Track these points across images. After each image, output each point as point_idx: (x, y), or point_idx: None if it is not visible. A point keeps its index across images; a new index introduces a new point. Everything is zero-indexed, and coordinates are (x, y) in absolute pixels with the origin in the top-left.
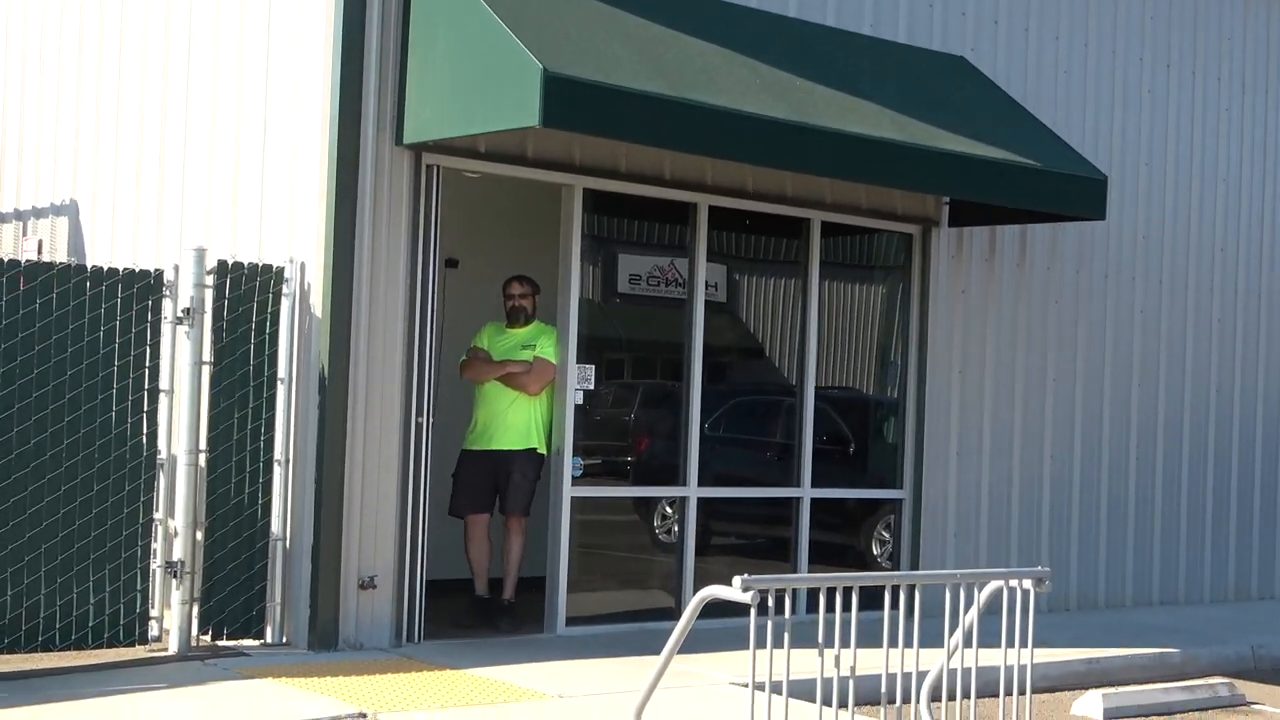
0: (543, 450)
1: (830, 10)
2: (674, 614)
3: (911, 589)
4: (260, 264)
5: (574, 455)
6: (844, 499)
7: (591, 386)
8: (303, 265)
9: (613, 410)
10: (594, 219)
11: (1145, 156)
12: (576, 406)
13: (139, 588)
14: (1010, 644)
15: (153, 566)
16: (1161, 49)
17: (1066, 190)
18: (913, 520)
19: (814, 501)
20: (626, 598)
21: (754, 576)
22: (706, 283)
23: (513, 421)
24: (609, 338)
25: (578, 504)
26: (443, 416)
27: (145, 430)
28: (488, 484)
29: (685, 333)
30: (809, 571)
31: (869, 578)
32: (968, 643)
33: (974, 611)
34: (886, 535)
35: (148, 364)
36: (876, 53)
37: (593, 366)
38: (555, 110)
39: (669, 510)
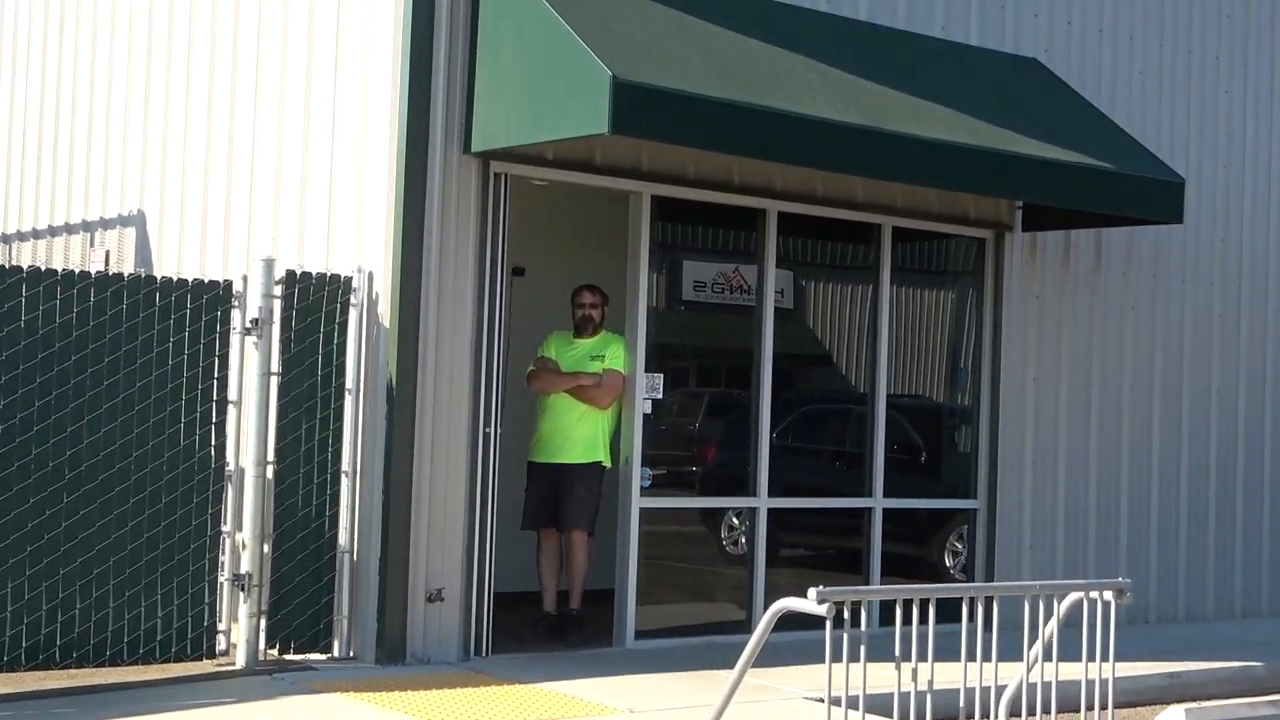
0: (607, 463)
1: (900, 13)
2: (744, 627)
3: (989, 601)
4: (328, 274)
5: (642, 465)
6: (916, 509)
7: (660, 396)
8: (370, 275)
9: (678, 419)
10: (661, 226)
11: (1223, 158)
12: (645, 416)
13: (206, 600)
14: (1090, 657)
15: (220, 579)
16: (1239, 49)
17: (1143, 193)
18: (987, 531)
19: (886, 512)
20: (696, 610)
21: (830, 588)
22: (775, 290)
23: (580, 435)
24: (674, 345)
25: (646, 515)
26: (510, 426)
27: (213, 442)
28: (553, 496)
29: (754, 339)
30: (880, 583)
31: (947, 589)
32: (1047, 656)
33: (1053, 623)
34: (960, 546)
35: (216, 375)
36: (948, 55)
37: (661, 376)
38: (624, 117)
39: (736, 521)
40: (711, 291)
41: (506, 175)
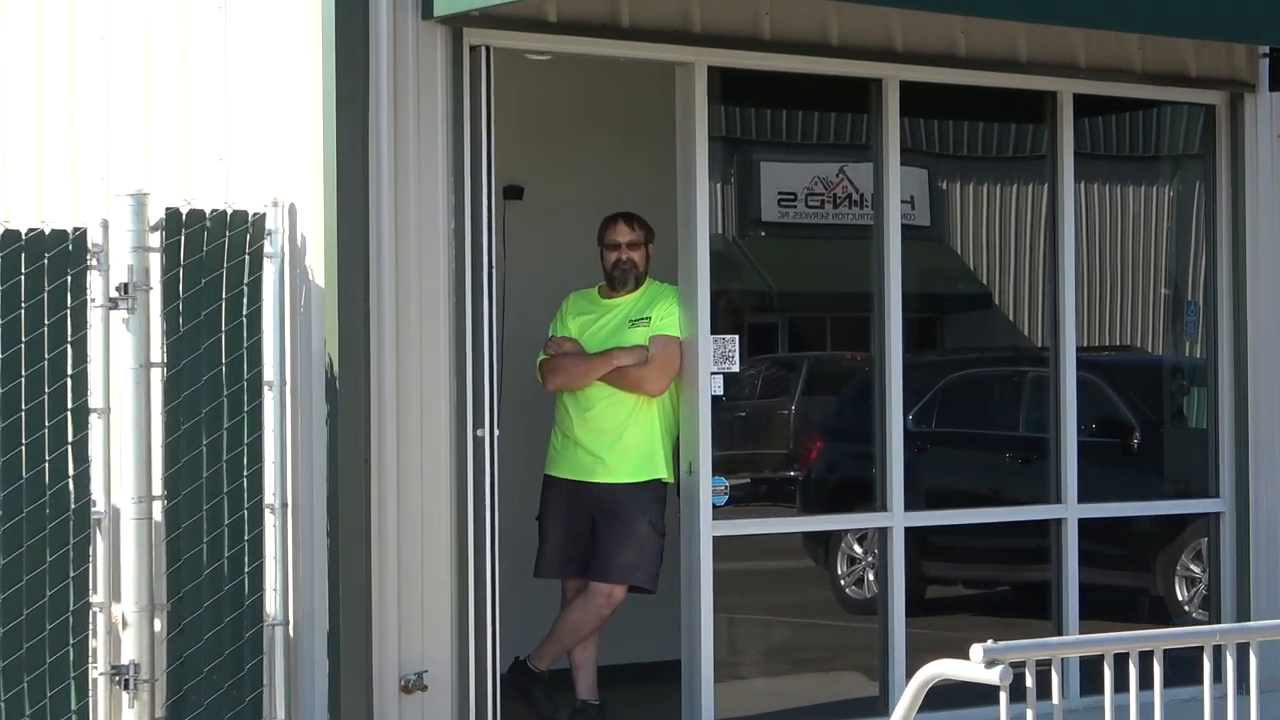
0: (669, 477)
1: None
2: (880, 707)
3: (1244, 650)
4: (229, 211)
5: (714, 474)
6: (1129, 518)
7: (736, 368)
8: (292, 208)
9: (764, 402)
10: (725, 112)
11: None
12: (714, 399)
13: (74, 707)
14: None
15: (93, 674)
16: None
17: None
18: (1238, 544)
19: (1084, 524)
20: (804, 686)
21: (1001, 644)
22: (902, 199)
23: (630, 443)
24: (753, 292)
25: (723, 546)
26: (511, 425)
27: (71, 471)
28: (589, 532)
29: (873, 276)
30: (1081, 631)
31: (1181, 634)
32: None
33: None
34: (1198, 570)
35: (70, 371)
36: None
37: (735, 339)
38: None
39: (859, 550)
40: (806, 207)
41: (488, 49)
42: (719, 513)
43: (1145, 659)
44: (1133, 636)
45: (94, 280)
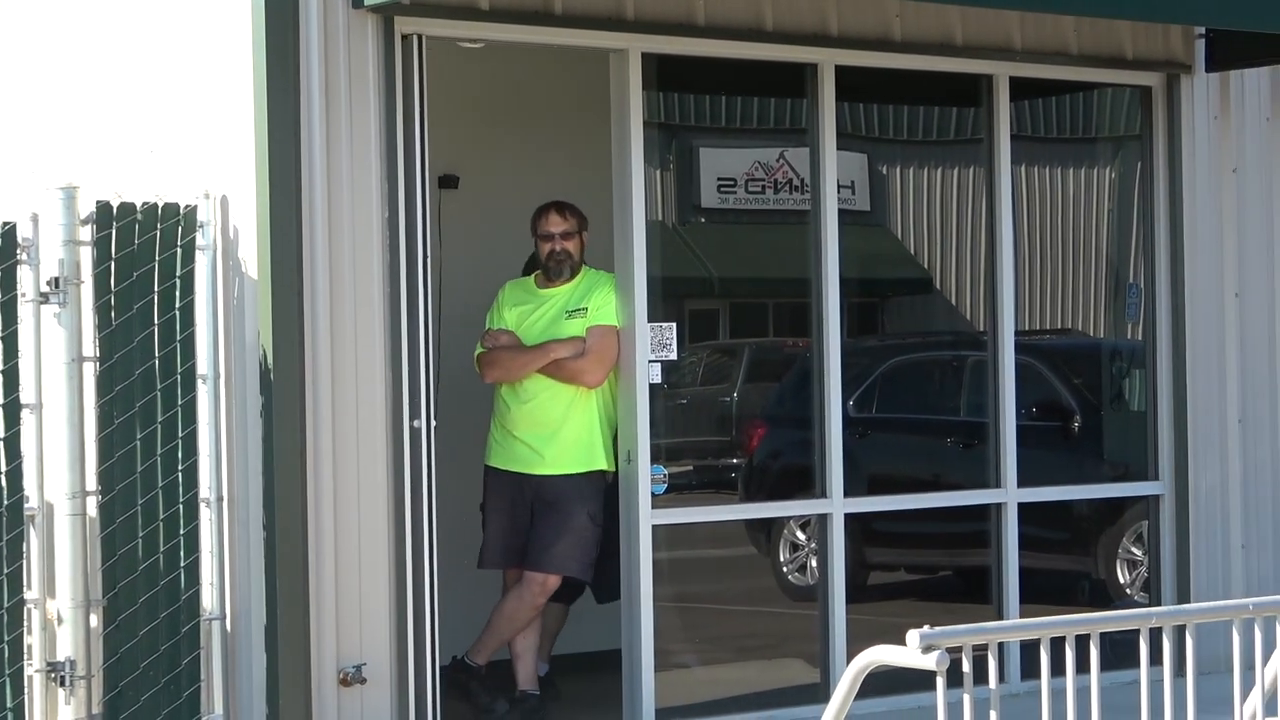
0: (610, 467)
1: None
2: (820, 693)
3: (1181, 632)
4: (160, 204)
5: (653, 463)
6: (1069, 501)
7: (674, 355)
8: (224, 200)
9: (704, 389)
10: (661, 98)
11: None
12: (652, 387)
13: (9, 704)
14: None
15: (29, 671)
16: None
17: None
18: (1177, 527)
19: (1024, 509)
20: (745, 674)
21: (937, 630)
22: (840, 183)
23: (569, 434)
24: (692, 279)
25: (664, 536)
26: (450, 414)
27: (3, 466)
28: (528, 523)
29: (811, 261)
30: (1021, 616)
31: (1117, 618)
32: (1269, 710)
33: (1277, 661)
34: (1139, 553)
35: (1, 366)
36: None
37: (674, 326)
38: None
39: (801, 537)
40: (746, 192)
41: (420, 37)
42: (658, 501)
43: (1082, 643)
44: (1069, 620)
45: (24, 275)
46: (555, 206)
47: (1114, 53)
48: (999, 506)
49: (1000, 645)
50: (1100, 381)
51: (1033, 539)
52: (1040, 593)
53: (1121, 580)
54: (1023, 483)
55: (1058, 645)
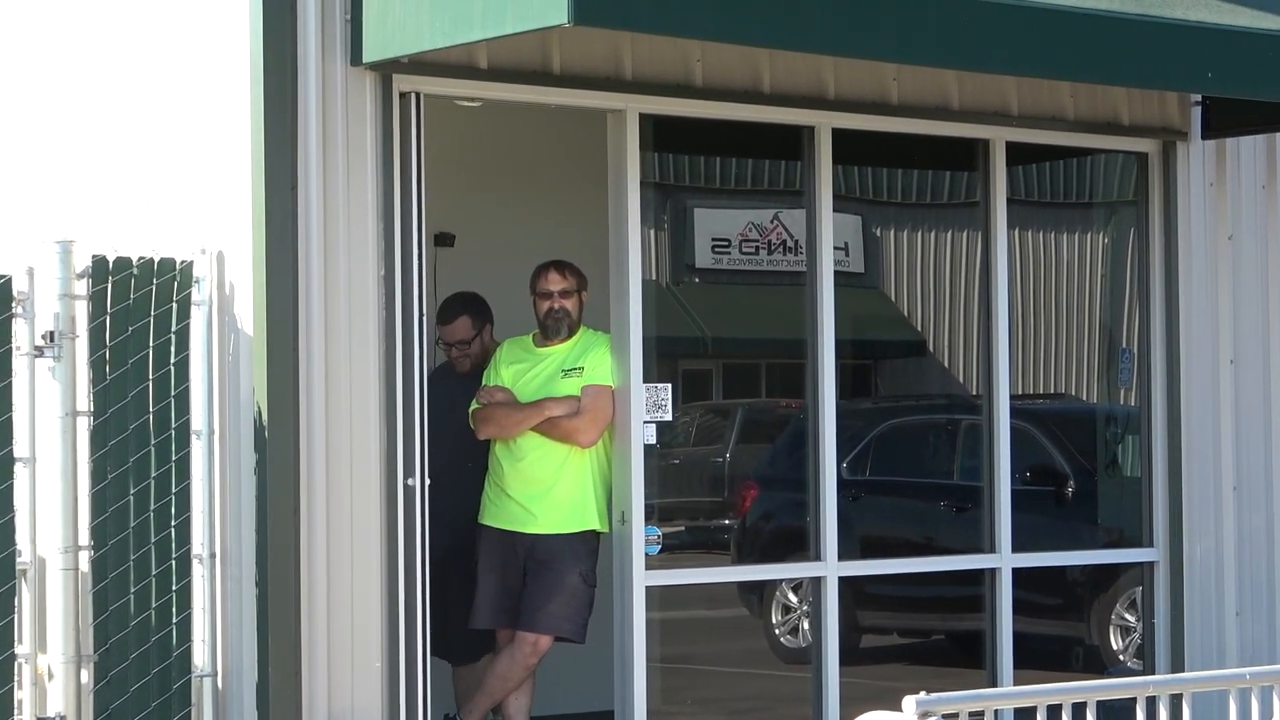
0: (603, 527)
1: None
2: None
3: (1178, 701)
4: (156, 259)
5: (647, 524)
6: (1064, 567)
7: (669, 416)
8: (220, 256)
9: (698, 449)
10: (658, 159)
11: None
12: (646, 447)
13: None
14: None
15: None
16: None
17: None
18: (1171, 594)
19: (1018, 574)
20: None
21: (934, 696)
22: (835, 245)
23: (562, 493)
24: (687, 339)
25: (657, 597)
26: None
27: None
28: (520, 582)
29: (807, 323)
30: (1017, 680)
31: (1114, 686)
32: None
33: None
34: (1132, 619)
35: None
36: None
37: (669, 386)
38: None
39: (793, 599)
40: (740, 253)
41: (418, 95)
42: (652, 562)
43: (1079, 710)
44: (1066, 688)
45: (19, 328)
46: (555, 265)
47: (1110, 118)
48: (993, 571)
49: (996, 712)
50: (1095, 447)
51: (1026, 604)
52: (1033, 658)
53: (1115, 646)
54: (1017, 548)
55: (1053, 712)
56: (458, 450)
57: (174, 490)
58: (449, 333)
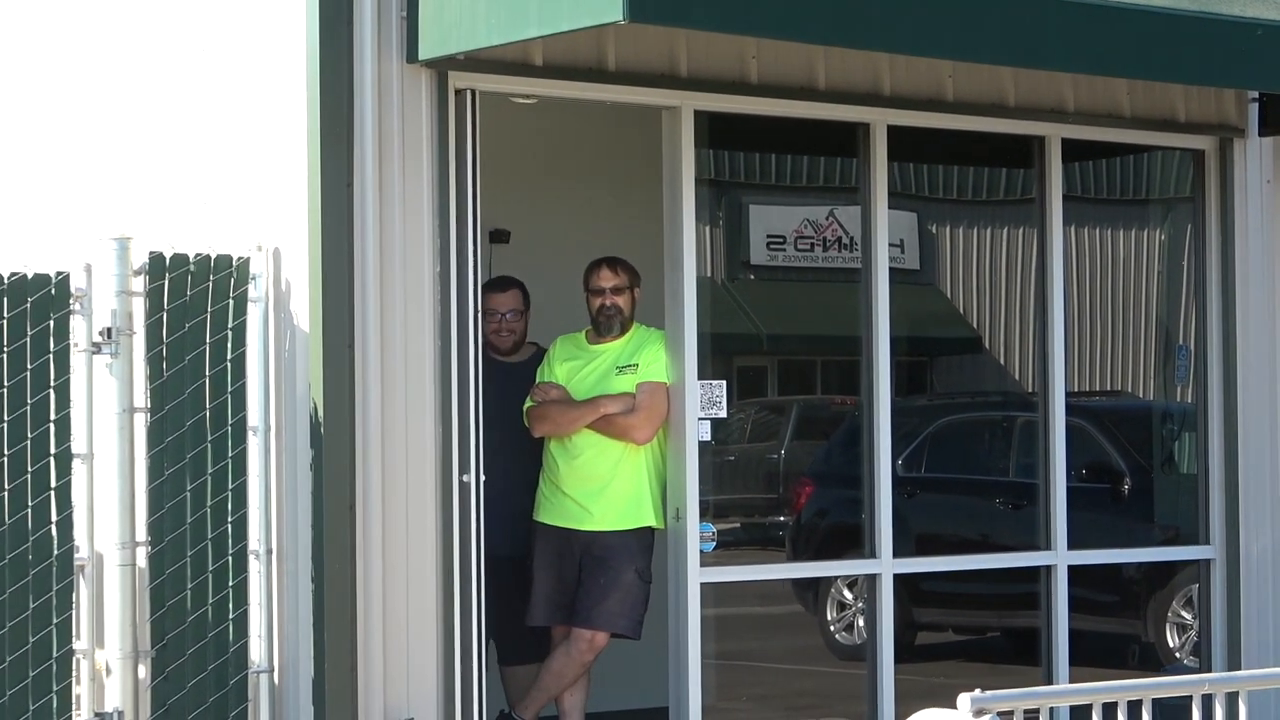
0: (659, 523)
1: None
2: None
3: (1234, 699)
4: (213, 256)
5: (701, 520)
6: (1119, 564)
7: (723, 413)
8: (276, 253)
9: (753, 446)
10: (713, 155)
11: None
12: (701, 444)
13: None
14: None
15: None
16: None
17: None
18: (1228, 592)
19: (1073, 571)
20: None
21: (989, 693)
22: (891, 242)
23: (618, 490)
24: (741, 336)
25: (711, 594)
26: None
27: (54, 516)
28: (575, 578)
29: (862, 320)
30: (1071, 677)
31: (1170, 684)
32: None
33: None
34: (1189, 617)
35: (53, 417)
36: None
37: (723, 384)
38: None
39: (848, 596)
40: (795, 250)
41: (473, 92)
42: (706, 559)
43: (1134, 708)
44: (1121, 686)
45: (77, 325)
46: (607, 262)
47: (1167, 116)
48: (1049, 568)
49: (1052, 710)
50: (1151, 444)
51: (1081, 601)
52: (1088, 655)
53: (1171, 644)
54: (1073, 545)
55: (1109, 710)
56: (508, 445)
57: (230, 486)
58: (501, 301)
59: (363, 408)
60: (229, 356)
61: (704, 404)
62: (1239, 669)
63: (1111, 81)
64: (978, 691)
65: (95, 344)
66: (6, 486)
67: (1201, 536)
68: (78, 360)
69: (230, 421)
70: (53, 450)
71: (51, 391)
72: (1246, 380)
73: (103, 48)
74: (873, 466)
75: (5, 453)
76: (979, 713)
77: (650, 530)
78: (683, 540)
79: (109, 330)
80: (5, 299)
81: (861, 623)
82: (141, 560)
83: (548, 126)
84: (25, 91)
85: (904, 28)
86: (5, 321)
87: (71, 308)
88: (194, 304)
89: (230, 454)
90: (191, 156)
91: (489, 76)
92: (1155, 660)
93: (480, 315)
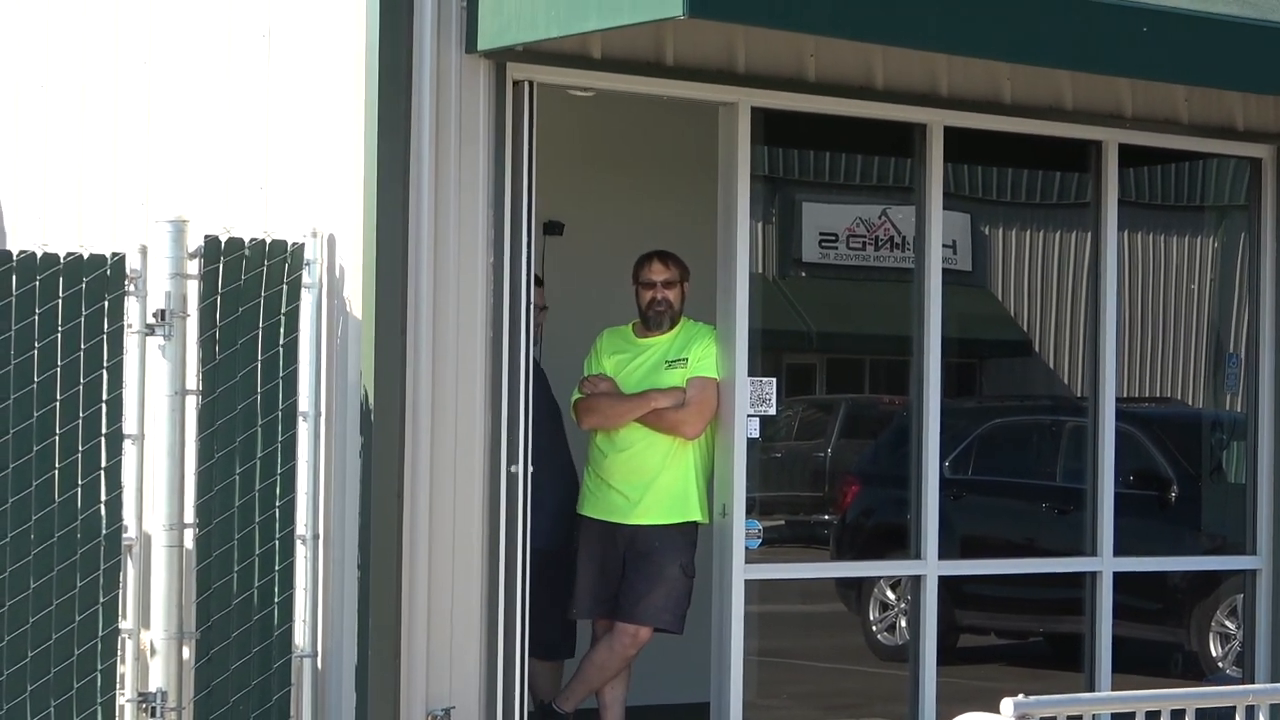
0: (704, 519)
1: None
2: None
3: (1278, 710)
4: (268, 240)
5: (748, 517)
6: (1164, 572)
7: (773, 410)
8: (331, 239)
9: (800, 444)
10: (768, 152)
11: None
12: (749, 441)
13: None
14: None
15: (120, 700)
16: None
17: None
18: (1274, 602)
19: (1119, 578)
20: None
21: (1032, 699)
22: (944, 243)
23: (664, 484)
24: (792, 333)
25: (755, 590)
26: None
27: (104, 496)
28: (619, 572)
29: (913, 319)
30: (1113, 686)
31: (1215, 694)
32: None
33: None
34: (1233, 627)
35: (105, 397)
36: None
37: (773, 381)
38: None
39: (891, 596)
40: (847, 248)
41: (531, 84)
42: (751, 555)
43: (1177, 717)
44: (1165, 695)
45: (131, 306)
46: (657, 255)
47: (1224, 123)
48: (1094, 575)
49: (1094, 717)
50: (1199, 452)
51: (1125, 608)
52: (1130, 662)
53: (1214, 653)
54: (1119, 551)
55: (1152, 718)
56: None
57: (279, 471)
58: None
59: (413, 396)
60: (281, 341)
61: (754, 400)
62: None
63: (1169, 87)
64: (1021, 696)
65: (149, 326)
66: (57, 465)
67: (1248, 546)
68: (131, 341)
69: (281, 406)
70: (104, 430)
71: (104, 372)
72: None
73: (164, 29)
74: (920, 467)
75: (57, 432)
76: (1022, 717)
77: (695, 525)
78: (729, 536)
79: (163, 312)
80: (61, 279)
81: (904, 623)
82: (189, 542)
83: (603, 119)
84: (87, 72)
85: (962, 28)
86: (60, 301)
87: (126, 289)
88: (248, 288)
89: (280, 439)
90: (249, 140)
91: (547, 68)
92: (1198, 669)
93: (531, 308)
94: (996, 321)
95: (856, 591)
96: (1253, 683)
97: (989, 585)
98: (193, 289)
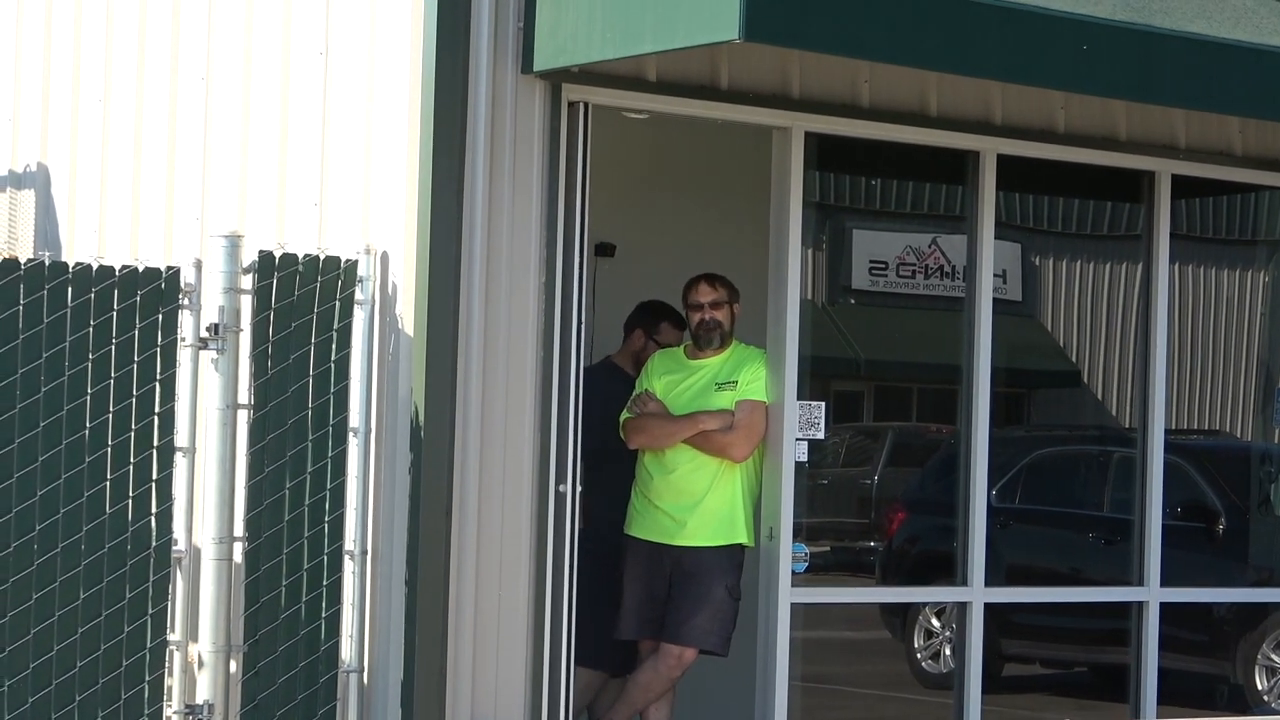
0: (749, 541)
1: None
2: None
3: None
4: (322, 256)
5: (794, 541)
6: (1210, 604)
7: (822, 435)
8: (384, 257)
9: (848, 470)
10: (820, 177)
11: None
12: (797, 465)
13: None
14: None
15: (167, 712)
16: None
17: None
18: None
19: (1165, 609)
20: None
21: None
22: (994, 272)
23: (711, 506)
24: (841, 359)
25: (801, 615)
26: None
27: (154, 509)
28: (664, 594)
29: (963, 348)
30: (1160, 717)
31: None
32: None
33: None
34: (1277, 660)
35: (157, 410)
36: None
37: (822, 405)
38: (764, 16)
39: (936, 623)
40: (897, 276)
41: (586, 105)
42: (797, 580)
43: None
44: None
45: (185, 319)
46: (706, 277)
47: (1279, 156)
48: (1140, 605)
49: None
50: (1247, 485)
51: (1171, 639)
52: (1175, 694)
53: (1260, 686)
54: (1166, 582)
55: None
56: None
57: (329, 486)
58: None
59: (463, 414)
60: (333, 357)
61: (802, 424)
62: None
63: (1224, 119)
64: None
65: (202, 339)
66: (109, 477)
67: None
68: (184, 355)
69: (331, 422)
70: (155, 443)
71: (157, 384)
72: None
73: (222, 46)
74: (968, 495)
75: (109, 443)
76: None
77: (741, 548)
78: (775, 560)
79: (216, 326)
80: (116, 291)
81: (948, 651)
82: (238, 556)
83: (656, 141)
84: (145, 88)
85: (1017, 57)
86: (115, 314)
87: (180, 303)
88: (301, 304)
89: (330, 454)
90: (305, 157)
91: (602, 90)
92: (1243, 702)
93: (582, 324)
94: (1046, 351)
95: (901, 618)
96: None
97: (1034, 614)
98: (246, 304)
